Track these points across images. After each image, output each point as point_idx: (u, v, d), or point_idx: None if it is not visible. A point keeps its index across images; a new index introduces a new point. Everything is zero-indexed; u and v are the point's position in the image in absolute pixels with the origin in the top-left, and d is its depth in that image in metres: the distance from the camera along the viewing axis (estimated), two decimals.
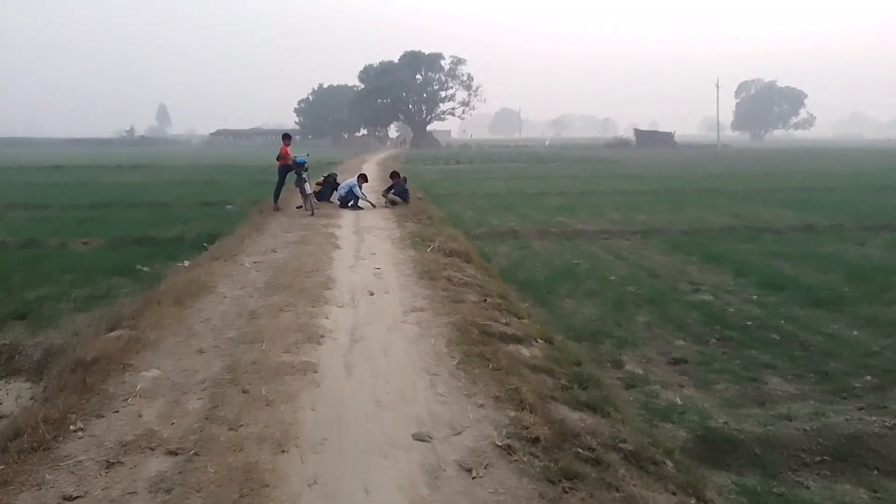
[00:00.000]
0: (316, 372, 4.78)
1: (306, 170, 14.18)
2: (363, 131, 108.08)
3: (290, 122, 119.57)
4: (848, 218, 15.34)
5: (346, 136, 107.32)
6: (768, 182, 26.35)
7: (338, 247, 9.93)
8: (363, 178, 15.62)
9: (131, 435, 3.78)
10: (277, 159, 14.49)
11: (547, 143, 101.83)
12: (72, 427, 3.85)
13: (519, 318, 6.44)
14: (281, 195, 14.69)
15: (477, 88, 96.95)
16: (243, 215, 14.52)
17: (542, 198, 20.91)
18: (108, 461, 3.49)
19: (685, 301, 8.28)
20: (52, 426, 3.82)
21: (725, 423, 4.95)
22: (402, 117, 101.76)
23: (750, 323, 7.32)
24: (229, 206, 17.37)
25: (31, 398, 5.01)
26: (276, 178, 14.79)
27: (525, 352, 5.40)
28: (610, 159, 48.55)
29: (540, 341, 5.80)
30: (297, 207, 14.37)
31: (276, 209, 14.31)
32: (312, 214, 13.47)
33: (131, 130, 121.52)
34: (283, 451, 3.59)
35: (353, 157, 51.51)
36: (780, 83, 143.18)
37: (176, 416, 4.04)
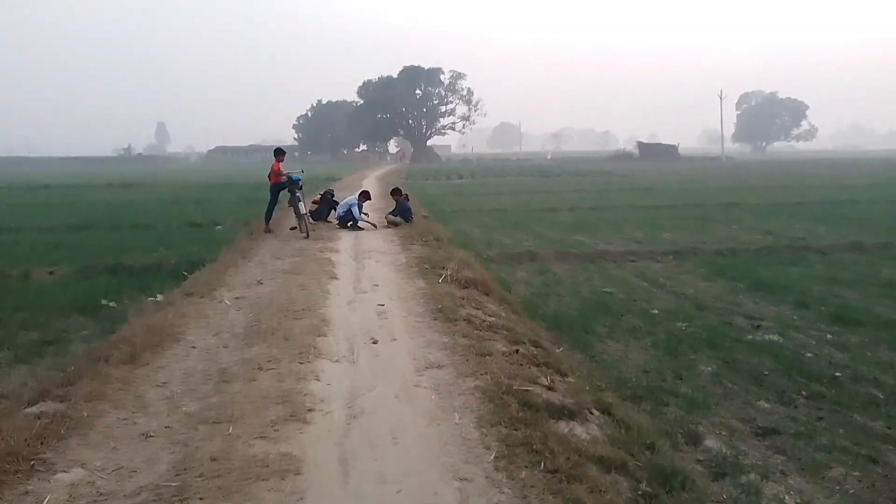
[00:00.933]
0: (299, 474, 3.43)
1: (301, 187, 12.87)
2: (362, 147, 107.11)
3: (288, 138, 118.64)
4: (892, 234, 14.03)
5: (345, 152, 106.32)
6: (788, 195, 25.05)
7: (335, 276, 8.59)
8: (365, 195, 14.30)
9: None
10: (269, 177, 13.18)
11: (549, 157, 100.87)
12: None
13: (562, 376, 5.07)
14: (273, 215, 13.36)
15: (477, 103, 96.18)
16: (233, 238, 13.23)
17: (554, 214, 19.61)
18: None
19: (749, 342, 6.91)
20: None
21: None
22: (401, 132, 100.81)
23: (839, 374, 5.96)
24: (219, 228, 16.07)
25: None
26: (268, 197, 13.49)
27: (581, 432, 4.04)
28: (616, 172, 47.36)
29: (596, 412, 4.44)
30: (291, 229, 13.05)
31: (268, 231, 12.98)
32: (307, 237, 12.14)
33: (129, 148, 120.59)
34: None
35: (353, 172, 50.30)
36: (781, 94, 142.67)
37: None
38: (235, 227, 15.60)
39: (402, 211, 14.20)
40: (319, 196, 15.23)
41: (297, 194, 12.51)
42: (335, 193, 15.81)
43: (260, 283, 8.24)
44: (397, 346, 5.59)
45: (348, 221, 13.66)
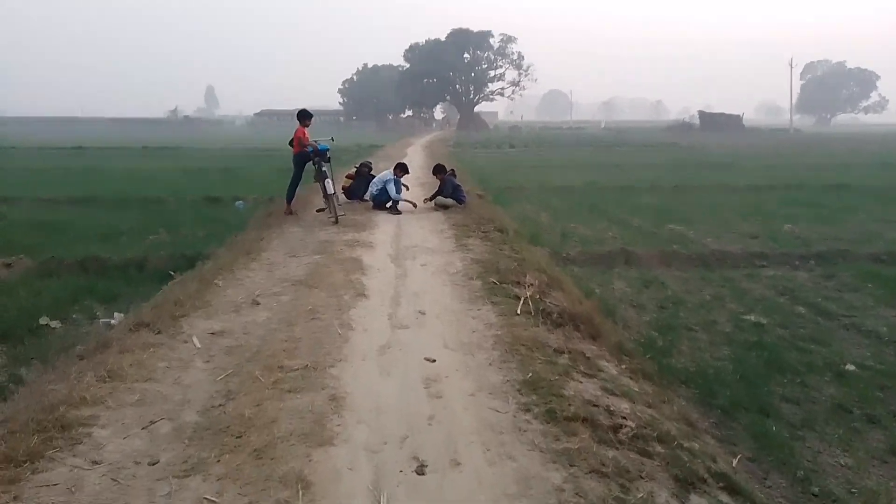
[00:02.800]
0: None
1: (328, 159, 10.27)
2: (408, 113, 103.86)
3: (334, 103, 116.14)
4: None
5: (390, 118, 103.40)
6: None
7: (363, 293, 5.94)
8: (402, 168, 11.56)
9: None
10: (290, 144, 10.57)
11: (602, 126, 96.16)
12: None
13: None
14: (297, 193, 10.80)
15: (528, 68, 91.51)
16: (248, 220, 10.76)
17: (631, 195, 16.54)
18: None
19: None
20: None
21: None
22: (448, 98, 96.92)
23: None
24: (239, 203, 13.65)
25: None
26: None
27: None
28: (681, 144, 43.38)
29: None
30: (318, 211, 10.46)
31: (290, 213, 10.45)
32: (336, 222, 9.55)
33: (175, 111, 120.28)
34: None
35: (397, 140, 47.61)
36: (850, 64, 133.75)
37: None
38: (259, 204, 13.19)
39: (451, 190, 11.42)
40: (355, 169, 12.60)
41: (325, 168, 9.90)
42: (374, 166, 13.18)
43: (256, 302, 5.67)
44: (463, 487, 2.92)
45: (385, 202, 11.03)
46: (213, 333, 4.88)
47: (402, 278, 6.55)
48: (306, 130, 10.42)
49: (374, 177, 11.84)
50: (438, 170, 11.81)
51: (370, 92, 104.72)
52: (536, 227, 11.39)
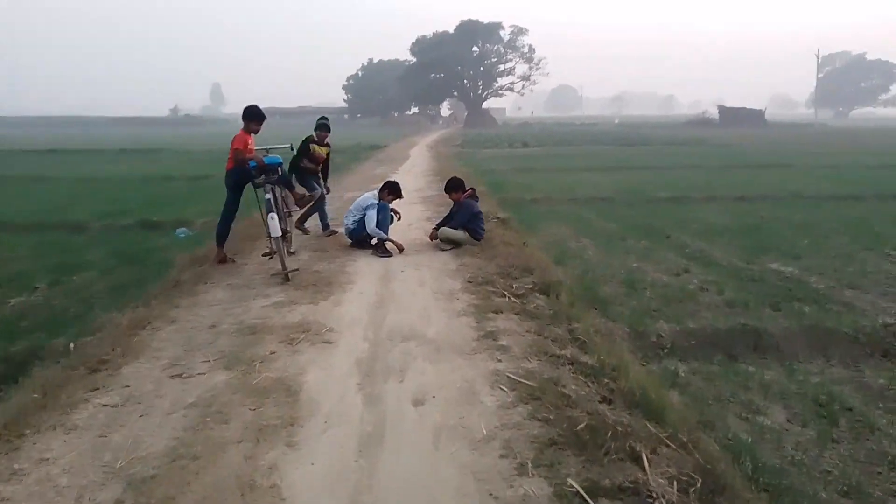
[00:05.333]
0: None
1: (282, 179, 6.91)
2: (414, 109, 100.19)
3: (339, 99, 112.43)
4: None
5: (395, 115, 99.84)
6: None
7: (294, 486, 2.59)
8: (391, 190, 8.02)
9: None
10: (234, 162, 7.07)
11: (616, 122, 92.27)
12: None
13: None
14: (233, 228, 7.40)
15: (539, 61, 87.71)
16: (184, 259, 7.41)
17: (688, 209, 13.09)
18: None
19: None
20: None
21: None
22: (455, 93, 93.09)
23: None
24: (181, 231, 10.31)
25: None
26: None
27: None
28: (709, 141, 39.67)
29: None
30: (265, 255, 7.02)
31: (223, 260, 7.07)
32: (287, 279, 6.20)
33: (175, 109, 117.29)
34: None
35: (401, 138, 44.16)
36: (870, 56, 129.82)
37: None
38: (209, 231, 9.83)
39: (466, 219, 8.01)
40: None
41: (270, 195, 6.47)
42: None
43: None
44: None
45: (364, 237, 7.69)
46: None
47: (373, 450, 3.17)
48: (251, 137, 7.02)
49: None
50: (454, 186, 8.34)
51: (375, 88, 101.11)
52: (584, 266, 7.98)
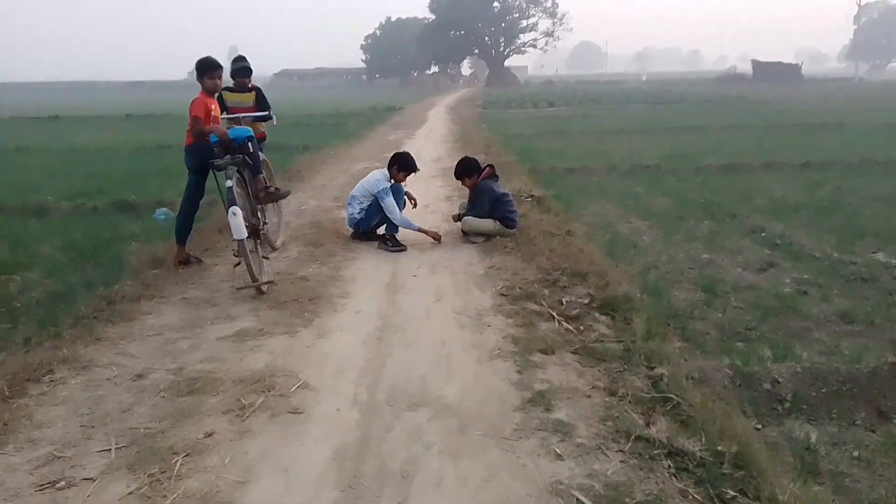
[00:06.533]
0: None
1: (253, 159, 5.32)
2: (434, 69, 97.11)
3: (357, 60, 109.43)
4: None
5: (415, 75, 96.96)
6: None
7: None
8: (402, 164, 6.37)
9: None
10: (192, 136, 5.40)
11: (644, 78, 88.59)
12: None
13: None
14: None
15: (562, 16, 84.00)
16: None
17: (748, 180, 11.27)
18: None
19: None
20: None
21: None
22: (476, 52, 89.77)
23: None
24: (160, 212, 8.80)
25: None
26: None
27: None
28: (747, 98, 37.07)
29: None
30: (237, 265, 5.35)
31: (183, 261, 5.52)
32: (262, 292, 4.69)
33: (192, 73, 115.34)
34: None
35: (420, 100, 42.11)
36: None
37: None
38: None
39: (488, 207, 6.32)
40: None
41: (233, 181, 4.84)
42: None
43: None
44: None
45: (373, 227, 6.15)
46: None
47: None
48: (213, 101, 5.42)
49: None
50: (466, 170, 6.63)
51: (394, 47, 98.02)
52: (643, 260, 6.35)
